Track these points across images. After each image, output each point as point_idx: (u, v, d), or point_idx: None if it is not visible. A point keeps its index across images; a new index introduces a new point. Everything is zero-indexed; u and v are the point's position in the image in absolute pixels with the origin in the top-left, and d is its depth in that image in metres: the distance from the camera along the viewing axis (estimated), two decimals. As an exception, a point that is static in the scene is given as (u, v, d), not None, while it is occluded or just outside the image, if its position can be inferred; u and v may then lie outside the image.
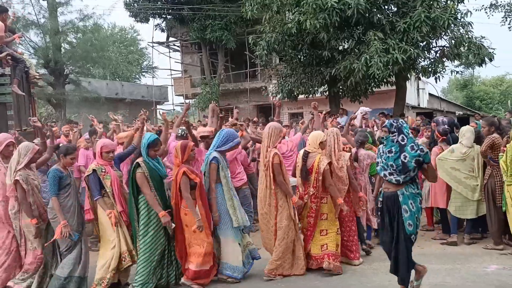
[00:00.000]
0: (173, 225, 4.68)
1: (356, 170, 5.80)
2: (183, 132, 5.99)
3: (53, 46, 16.96)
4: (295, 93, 13.41)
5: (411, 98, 19.10)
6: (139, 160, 4.71)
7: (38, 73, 9.35)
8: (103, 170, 4.73)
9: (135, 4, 20.75)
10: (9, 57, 7.73)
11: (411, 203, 4.02)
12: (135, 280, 4.68)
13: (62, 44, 17.93)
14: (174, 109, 28.62)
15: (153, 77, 34.75)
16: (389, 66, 10.41)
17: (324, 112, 6.79)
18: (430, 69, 11.81)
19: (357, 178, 5.73)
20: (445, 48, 11.81)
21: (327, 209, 5.16)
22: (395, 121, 4.13)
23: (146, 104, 28.33)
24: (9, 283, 4.79)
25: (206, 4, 19.14)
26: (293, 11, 11.43)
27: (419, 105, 21.84)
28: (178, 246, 4.84)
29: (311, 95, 13.39)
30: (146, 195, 4.60)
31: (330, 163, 5.15)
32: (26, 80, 8.72)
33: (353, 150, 5.83)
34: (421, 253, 5.59)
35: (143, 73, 40.34)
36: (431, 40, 11.58)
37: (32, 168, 4.89)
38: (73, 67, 18.93)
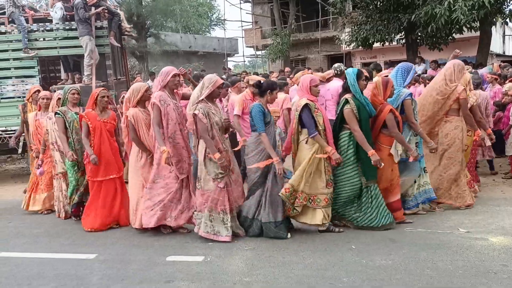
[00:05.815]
0: (382, 164, 4.43)
1: None
2: (338, 70, 6.07)
3: (135, 0, 17.79)
4: (371, 41, 13.14)
5: (496, 45, 17.84)
6: (348, 96, 4.55)
7: (130, 25, 10.07)
8: (316, 107, 4.43)
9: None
10: (106, 11, 8.47)
11: None
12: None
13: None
14: (244, 61, 29.05)
15: (224, 29, 35.11)
16: (473, 11, 9.87)
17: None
18: (520, 13, 11.03)
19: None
20: (539, -12, 10.90)
21: (470, 141, 5.42)
22: None
23: (217, 56, 29.04)
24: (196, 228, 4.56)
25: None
26: (371, -45, 11.05)
27: (504, 53, 20.34)
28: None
29: (387, 43, 13.07)
30: (355, 132, 4.44)
31: None
32: (120, 33, 9.51)
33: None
34: (503, 197, 5.72)
35: (213, 26, 40.86)
36: (522, -20, 10.73)
37: (215, 103, 4.58)
38: (151, 21, 19.74)
